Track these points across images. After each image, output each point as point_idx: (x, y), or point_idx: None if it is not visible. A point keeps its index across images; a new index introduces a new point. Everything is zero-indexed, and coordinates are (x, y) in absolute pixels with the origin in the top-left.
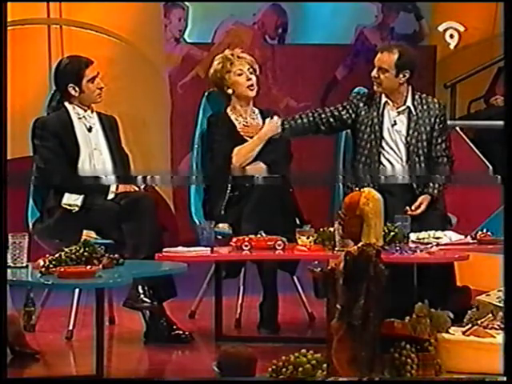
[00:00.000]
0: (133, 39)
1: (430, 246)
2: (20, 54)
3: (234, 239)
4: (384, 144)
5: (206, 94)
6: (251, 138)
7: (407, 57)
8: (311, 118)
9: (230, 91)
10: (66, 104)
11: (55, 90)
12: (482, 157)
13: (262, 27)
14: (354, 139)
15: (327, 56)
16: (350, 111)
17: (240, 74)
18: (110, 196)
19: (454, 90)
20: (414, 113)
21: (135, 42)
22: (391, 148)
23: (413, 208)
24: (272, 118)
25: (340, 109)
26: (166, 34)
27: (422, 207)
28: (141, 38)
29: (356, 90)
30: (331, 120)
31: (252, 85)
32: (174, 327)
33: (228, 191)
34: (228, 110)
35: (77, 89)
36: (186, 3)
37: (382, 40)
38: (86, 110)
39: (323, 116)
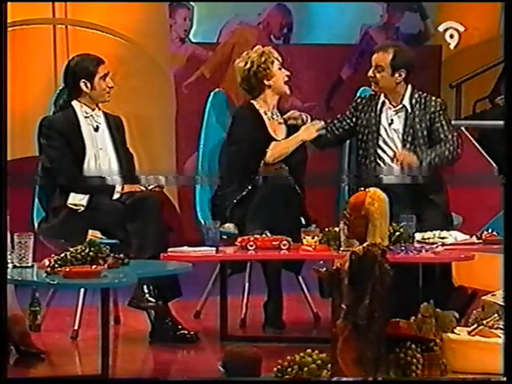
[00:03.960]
0: (138, 39)
1: (435, 245)
2: (25, 54)
3: (239, 239)
4: (381, 143)
5: (212, 93)
6: (275, 133)
7: (402, 56)
8: (328, 129)
9: (270, 83)
10: (74, 103)
11: (62, 89)
12: (487, 157)
13: (267, 27)
14: (356, 140)
15: (332, 56)
16: (348, 120)
17: (280, 68)
18: (116, 196)
19: (460, 90)
20: (411, 111)
21: (140, 42)
22: (389, 147)
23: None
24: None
25: (341, 119)
26: (171, 33)
27: (406, 158)
28: (146, 37)
29: (359, 92)
30: (336, 132)
31: (288, 80)
32: (179, 327)
33: (248, 187)
34: (254, 103)
35: (88, 85)
36: (191, 3)
37: (387, 40)
38: (93, 109)
39: (332, 127)
